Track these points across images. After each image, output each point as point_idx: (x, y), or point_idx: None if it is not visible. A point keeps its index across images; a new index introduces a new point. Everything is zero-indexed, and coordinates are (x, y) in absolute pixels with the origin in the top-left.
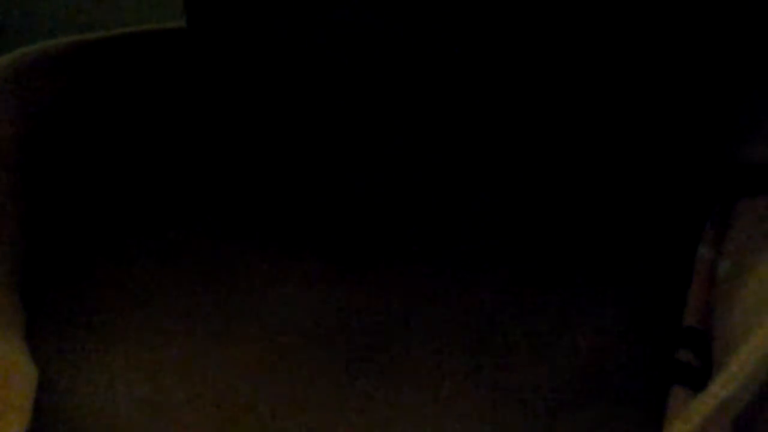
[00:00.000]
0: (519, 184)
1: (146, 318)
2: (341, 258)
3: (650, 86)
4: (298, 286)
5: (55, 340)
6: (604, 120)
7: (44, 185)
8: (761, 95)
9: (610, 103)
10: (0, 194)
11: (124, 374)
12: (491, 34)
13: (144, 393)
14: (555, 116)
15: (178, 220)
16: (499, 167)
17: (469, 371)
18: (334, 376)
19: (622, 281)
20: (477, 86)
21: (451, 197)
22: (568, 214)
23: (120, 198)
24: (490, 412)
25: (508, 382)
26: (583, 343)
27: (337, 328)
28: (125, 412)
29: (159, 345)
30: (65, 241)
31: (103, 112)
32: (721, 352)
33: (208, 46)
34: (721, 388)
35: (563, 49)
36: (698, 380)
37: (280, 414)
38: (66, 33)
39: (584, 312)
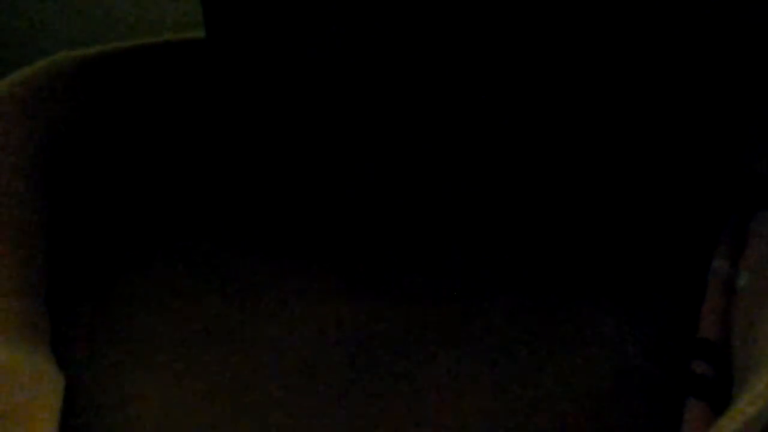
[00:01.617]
0: (533, 197)
1: (167, 327)
2: (353, 272)
3: (666, 97)
4: (313, 299)
5: (81, 349)
6: (619, 131)
7: (68, 194)
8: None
9: (625, 114)
10: (25, 203)
11: (149, 381)
12: (497, 40)
13: (167, 399)
14: (571, 126)
15: (198, 232)
16: (516, 180)
17: (481, 385)
18: (344, 387)
19: (637, 293)
20: (488, 98)
21: (465, 208)
22: (583, 227)
23: (141, 208)
24: (504, 427)
25: (522, 395)
26: (599, 356)
27: (347, 340)
28: (150, 418)
29: (180, 353)
30: (89, 251)
31: (125, 122)
32: (744, 366)
33: (227, 57)
34: (749, 405)
35: (578, 60)
36: (713, 392)
37: (293, 424)
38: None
39: (599, 324)
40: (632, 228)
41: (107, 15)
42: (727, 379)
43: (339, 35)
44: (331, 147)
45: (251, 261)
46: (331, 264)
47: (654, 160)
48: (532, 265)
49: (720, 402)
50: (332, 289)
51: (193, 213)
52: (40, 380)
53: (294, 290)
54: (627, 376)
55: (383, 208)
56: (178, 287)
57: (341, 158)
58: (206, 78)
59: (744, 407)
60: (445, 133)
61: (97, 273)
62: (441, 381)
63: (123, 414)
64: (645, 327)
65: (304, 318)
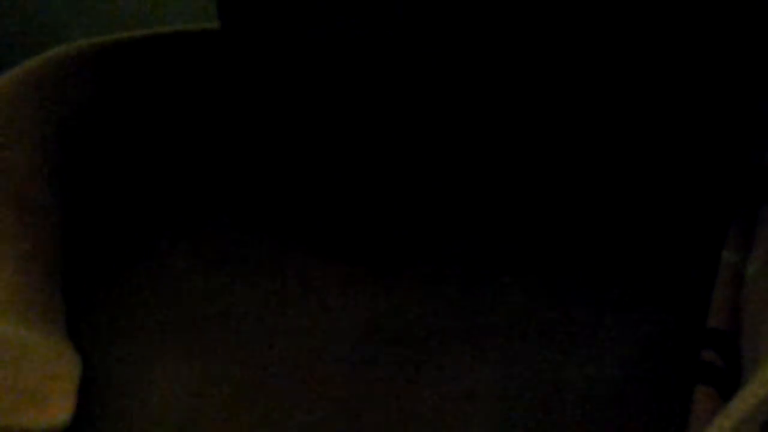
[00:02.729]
0: (550, 192)
1: (183, 312)
2: (360, 262)
3: (675, 93)
4: (332, 288)
5: (95, 334)
6: (630, 125)
7: (83, 183)
8: None
9: (635, 110)
10: (41, 192)
11: (159, 365)
12: (499, 39)
13: (182, 381)
14: (579, 119)
15: (208, 221)
16: (531, 176)
17: (499, 375)
18: (349, 377)
19: (649, 284)
20: (496, 95)
21: (472, 199)
22: (597, 221)
23: (153, 196)
24: (521, 414)
25: (537, 385)
26: (612, 346)
27: (355, 330)
28: (165, 400)
29: (189, 339)
30: (104, 239)
31: (138, 109)
32: (753, 354)
33: (241, 48)
34: (760, 387)
35: (587, 51)
36: (722, 380)
37: (312, 411)
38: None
39: (613, 315)
40: (645, 220)
41: (119, 12)
42: (736, 367)
43: (349, 25)
44: (341, 135)
45: (261, 250)
46: (339, 255)
47: (665, 154)
48: (549, 258)
49: (729, 390)
50: (341, 279)
51: (204, 201)
52: (58, 359)
53: (303, 279)
54: (638, 366)
55: (391, 198)
56: (188, 275)
57: (351, 148)
58: (219, 67)
59: (755, 389)
60: (457, 124)
61: (109, 260)
62: (443, 374)
63: (136, 396)
64: (656, 317)
65: (311, 307)
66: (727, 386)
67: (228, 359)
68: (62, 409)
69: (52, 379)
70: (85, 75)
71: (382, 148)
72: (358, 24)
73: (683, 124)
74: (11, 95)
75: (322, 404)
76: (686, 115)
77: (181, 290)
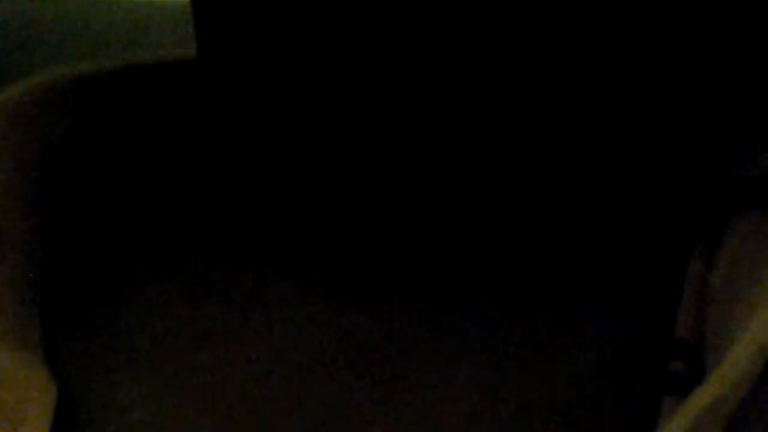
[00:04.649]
0: (514, 203)
1: (160, 336)
2: (345, 277)
3: (643, 110)
4: (305, 306)
5: (73, 358)
6: (598, 139)
7: (63, 207)
8: (747, 112)
9: (603, 124)
10: (20, 216)
11: (141, 390)
12: (493, 43)
13: (158, 408)
14: (548, 131)
15: (189, 240)
16: (496, 183)
17: (467, 388)
18: (336, 394)
19: (617, 295)
20: (472, 109)
21: (452, 217)
22: (563, 233)
23: (133, 219)
24: (490, 427)
25: (507, 397)
26: (580, 358)
27: (340, 346)
28: (141, 427)
29: (172, 361)
30: (83, 262)
31: (118, 139)
32: (713, 361)
33: (219, 78)
34: (714, 385)
35: (555, 55)
36: (689, 391)
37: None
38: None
39: (580, 326)
40: (612, 231)
41: (96, 37)
42: (702, 378)
43: (328, 57)
44: (325, 162)
45: (242, 268)
46: (323, 270)
47: (635, 168)
48: (515, 268)
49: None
50: (325, 295)
51: (185, 222)
52: (33, 383)
53: (287, 297)
54: (606, 377)
55: (371, 212)
56: (170, 297)
57: (326, 168)
58: (197, 96)
59: (709, 388)
60: (430, 135)
61: (90, 283)
62: (413, 393)
63: (114, 422)
64: (624, 328)
65: (297, 324)
66: None
67: (211, 382)
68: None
69: (27, 403)
70: (64, 103)
71: (355, 168)
72: (337, 57)
73: (652, 139)
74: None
75: (297, 424)
76: (655, 130)
77: (158, 316)
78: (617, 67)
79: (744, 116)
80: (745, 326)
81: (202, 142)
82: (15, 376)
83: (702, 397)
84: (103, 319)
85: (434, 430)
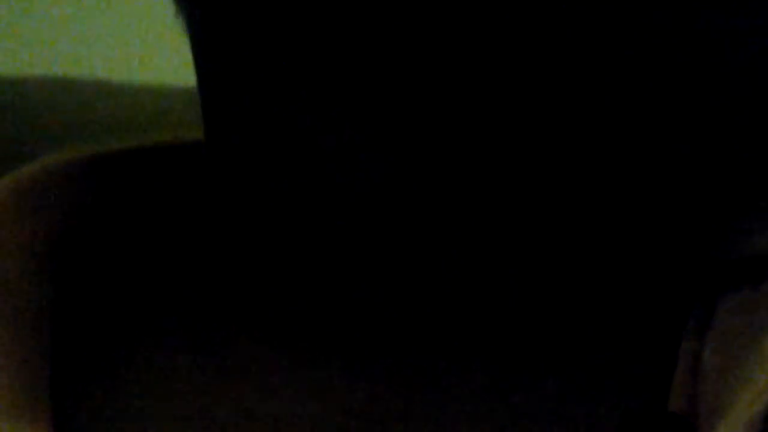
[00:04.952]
0: (511, 282)
1: (165, 405)
2: (349, 352)
3: (636, 199)
4: (310, 378)
5: (81, 427)
6: (591, 223)
7: (69, 283)
8: (735, 195)
9: (597, 212)
10: (30, 296)
11: None
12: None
13: None
14: (544, 216)
15: (195, 312)
16: (493, 262)
17: None
18: None
19: (611, 369)
20: (473, 202)
21: (448, 295)
22: (560, 310)
23: (139, 293)
24: None
25: None
26: (573, 431)
27: (342, 421)
28: None
29: (176, 430)
30: (90, 333)
31: (125, 220)
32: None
33: (225, 162)
34: None
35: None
36: None
37: None
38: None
39: (574, 400)
40: (606, 306)
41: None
42: None
43: (338, 154)
44: (326, 246)
45: (247, 341)
46: (327, 344)
47: (627, 245)
48: (512, 341)
49: None
50: (328, 369)
51: (190, 294)
52: None
53: (291, 369)
54: None
55: (366, 286)
56: (176, 368)
57: (336, 257)
58: (203, 181)
59: None
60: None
61: (96, 359)
62: None
63: None
64: (618, 401)
65: (300, 397)
66: None
67: None
68: None
69: None
70: (72, 184)
71: (358, 255)
72: (345, 157)
73: (644, 218)
74: (4, 202)
75: None
76: (646, 209)
77: (167, 386)
78: (614, 171)
79: (734, 203)
80: (737, 400)
81: (206, 220)
82: None
83: None
84: (110, 388)
85: None
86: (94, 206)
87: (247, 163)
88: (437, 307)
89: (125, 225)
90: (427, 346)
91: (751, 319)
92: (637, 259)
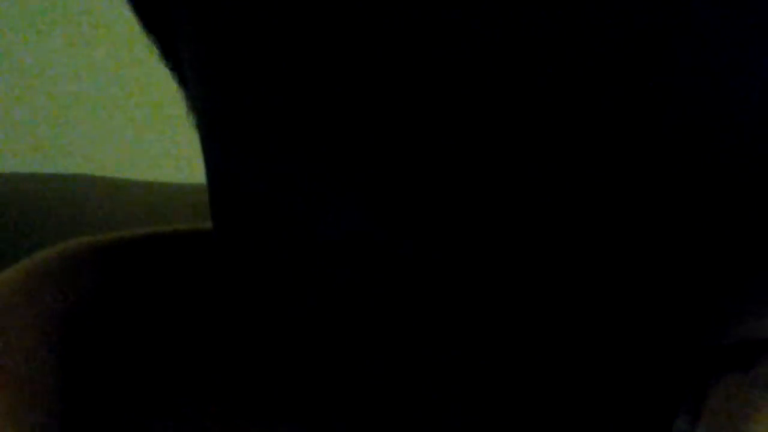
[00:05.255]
0: (503, 370)
1: None
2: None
3: (631, 285)
4: None
5: None
6: (585, 307)
7: (83, 368)
8: (724, 282)
9: (590, 297)
10: (41, 376)
11: None
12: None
13: None
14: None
15: (201, 394)
16: (484, 354)
17: None
18: None
19: None
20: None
21: (448, 385)
22: (553, 398)
23: (152, 378)
24: None
25: None
26: None
27: None
28: None
29: None
30: (100, 422)
31: (139, 304)
32: None
33: (234, 251)
34: None
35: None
36: None
37: None
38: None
39: None
40: (597, 391)
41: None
42: None
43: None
44: (330, 340)
45: (252, 424)
46: (336, 421)
47: (620, 332)
48: (507, 425)
49: None
50: None
51: (198, 377)
52: None
53: None
54: None
55: (372, 369)
56: None
57: (339, 349)
58: (213, 268)
59: None
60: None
61: None
62: None
63: None
64: None
65: None
66: None
67: None
68: None
69: None
70: (89, 269)
71: (368, 358)
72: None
73: (637, 308)
74: (20, 284)
75: None
76: (639, 299)
77: None
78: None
79: (727, 289)
80: None
81: (215, 306)
82: None
83: None
84: None
85: None
86: (108, 291)
87: (254, 252)
88: (442, 393)
89: (138, 310)
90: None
91: (740, 405)
92: (631, 342)
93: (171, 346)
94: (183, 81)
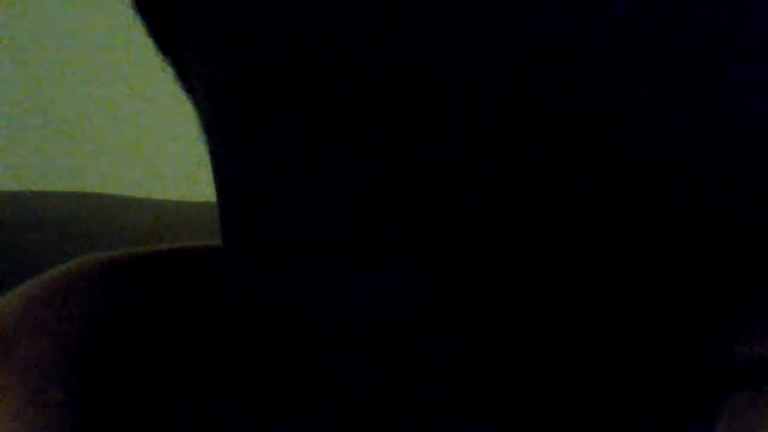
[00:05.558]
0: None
1: None
2: None
3: (639, 303)
4: None
5: None
6: (591, 329)
7: (95, 386)
8: (735, 299)
9: (595, 326)
10: (55, 391)
11: None
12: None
13: None
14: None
15: (206, 408)
16: (484, 363)
17: None
18: None
19: None
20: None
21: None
22: (556, 413)
23: (166, 399)
24: None
25: None
26: None
27: None
28: None
29: None
30: (108, 422)
31: (149, 319)
32: None
33: (243, 267)
34: None
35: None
36: None
37: None
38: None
39: None
40: (603, 412)
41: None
42: None
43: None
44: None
45: (253, 425)
46: None
47: (624, 351)
48: None
49: None
50: None
51: (204, 387)
52: None
53: None
54: None
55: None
56: None
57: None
58: (224, 284)
59: None
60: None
61: None
62: None
63: None
64: None
65: None
66: None
67: None
68: None
69: None
70: (102, 284)
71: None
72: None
73: (647, 326)
74: (35, 300)
75: None
76: (649, 317)
77: None
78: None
79: (737, 307)
80: None
81: (220, 316)
82: None
83: None
84: None
85: None
86: (120, 306)
87: (261, 257)
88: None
89: (148, 324)
90: None
91: (751, 423)
92: (641, 360)
93: (178, 357)
94: (197, 104)
